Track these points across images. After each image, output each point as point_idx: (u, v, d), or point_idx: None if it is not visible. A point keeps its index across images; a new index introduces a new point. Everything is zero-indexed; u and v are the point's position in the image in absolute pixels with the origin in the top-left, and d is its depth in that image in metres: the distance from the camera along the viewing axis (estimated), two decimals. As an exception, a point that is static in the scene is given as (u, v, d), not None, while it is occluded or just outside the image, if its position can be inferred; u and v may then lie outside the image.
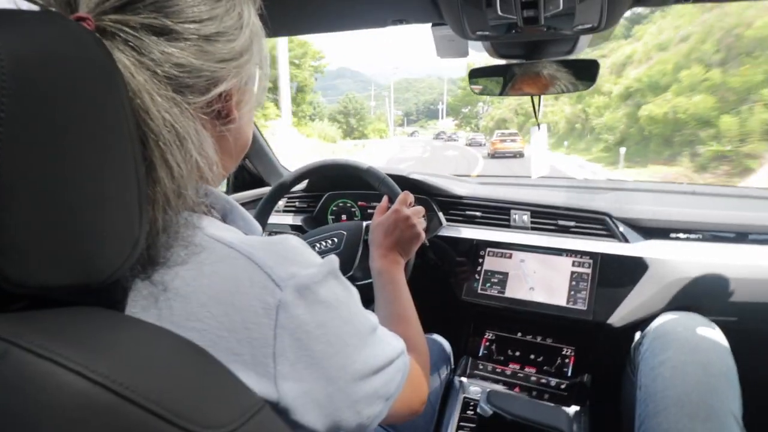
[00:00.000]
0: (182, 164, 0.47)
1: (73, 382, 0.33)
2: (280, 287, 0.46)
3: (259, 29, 0.59)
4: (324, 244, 1.27)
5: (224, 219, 0.59)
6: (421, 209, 1.07)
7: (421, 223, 1.03)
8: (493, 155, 23.72)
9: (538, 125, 1.45)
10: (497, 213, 1.55)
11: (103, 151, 0.38)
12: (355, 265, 1.20)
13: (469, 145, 37.46)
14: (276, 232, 1.67)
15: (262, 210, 1.30)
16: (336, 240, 1.26)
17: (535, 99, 1.34)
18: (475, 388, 1.33)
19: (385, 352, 0.58)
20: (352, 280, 1.12)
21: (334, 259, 0.54)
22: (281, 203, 1.79)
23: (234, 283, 0.46)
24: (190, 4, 0.49)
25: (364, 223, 1.26)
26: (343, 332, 0.51)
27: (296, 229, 1.70)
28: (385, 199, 1.13)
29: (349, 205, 1.70)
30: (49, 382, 0.33)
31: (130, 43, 0.45)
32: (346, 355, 0.51)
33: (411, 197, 1.07)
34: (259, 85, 0.62)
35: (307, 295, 0.48)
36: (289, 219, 1.75)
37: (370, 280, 0.96)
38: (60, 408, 0.32)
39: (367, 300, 0.68)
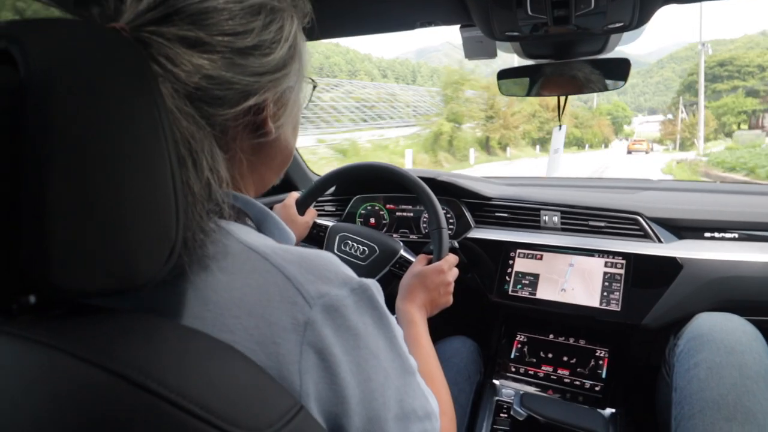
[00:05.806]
0: (195, 183, 0.47)
1: (120, 387, 0.33)
2: (310, 305, 0.46)
3: (302, 44, 0.59)
4: (353, 247, 1.28)
5: (259, 227, 0.59)
6: (456, 274, 1.08)
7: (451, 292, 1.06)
8: (630, 152, 41.65)
9: (560, 125, 1.44)
10: (527, 214, 1.54)
11: (140, 156, 0.39)
12: None
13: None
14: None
15: (308, 195, 1.30)
16: (366, 251, 1.26)
17: (561, 99, 1.33)
18: (507, 391, 1.32)
19: (413, 403, 0.55)
20: None
21: (375, 286, 0.53)
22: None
23: (266, 296, 0.46)
24: (226, 17, 0.49)
25: (401, 251, 1.25)
26: (369, 365, 0.49)
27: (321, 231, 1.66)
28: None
29: (377, 208, 1.70)
30: (96, 387, 0.33)
31: (162, 53, 0.46)
32: (367, 390, 0.49)
33: (456, 260, 1.09)
34: (299, 101, 0.62)
35: (335, 317, 0.47)
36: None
37: None
38: (109, 412, 0.33)
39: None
